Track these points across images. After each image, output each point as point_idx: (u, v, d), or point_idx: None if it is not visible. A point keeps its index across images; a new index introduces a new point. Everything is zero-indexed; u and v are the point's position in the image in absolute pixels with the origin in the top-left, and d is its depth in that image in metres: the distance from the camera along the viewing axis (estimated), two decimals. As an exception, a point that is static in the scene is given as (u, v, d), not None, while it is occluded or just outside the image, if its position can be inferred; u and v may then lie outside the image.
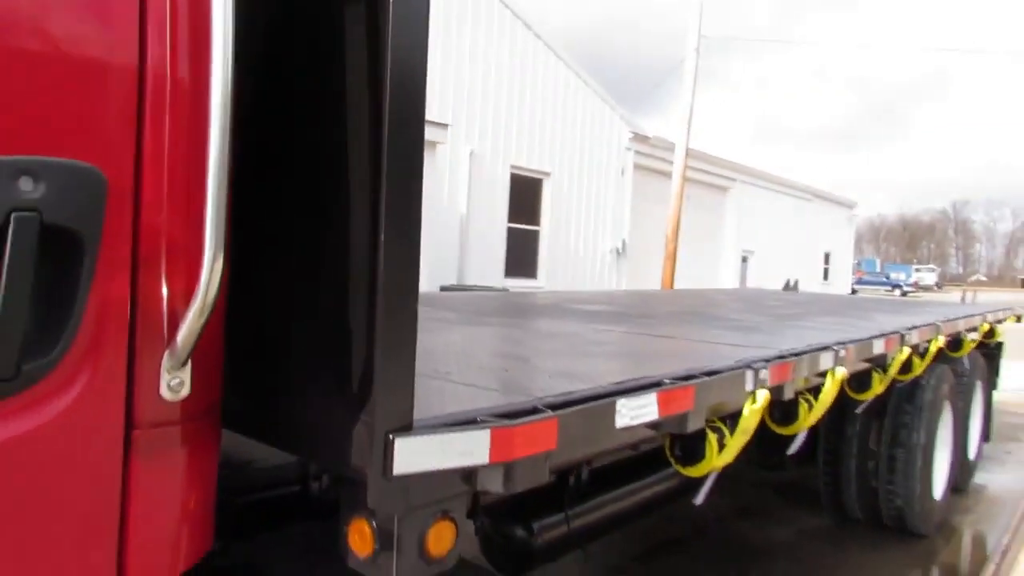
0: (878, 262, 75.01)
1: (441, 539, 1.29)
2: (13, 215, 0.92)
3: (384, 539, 1.24)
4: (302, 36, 1.30)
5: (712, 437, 2.06)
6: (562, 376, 1.87)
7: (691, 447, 2.13)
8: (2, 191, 0.92)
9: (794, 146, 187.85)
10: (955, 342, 4.86)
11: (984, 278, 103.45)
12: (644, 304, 5.42)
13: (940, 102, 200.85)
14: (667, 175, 16.42)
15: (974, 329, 5.10)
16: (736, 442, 2.08)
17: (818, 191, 30.08)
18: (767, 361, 2.23)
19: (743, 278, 24.10)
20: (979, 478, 5.95)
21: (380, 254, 1.11)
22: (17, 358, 0.95)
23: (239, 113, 1.10)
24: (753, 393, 2.08)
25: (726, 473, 2.84)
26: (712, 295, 7.44)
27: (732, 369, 2.07)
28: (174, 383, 1.11)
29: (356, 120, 1.17)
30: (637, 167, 18.14)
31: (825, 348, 2.68)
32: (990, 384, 6.34)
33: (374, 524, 1.25)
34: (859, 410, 4.05)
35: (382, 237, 1.11)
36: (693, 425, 1.84)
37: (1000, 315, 6.04)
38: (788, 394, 2.36)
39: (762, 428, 3.38)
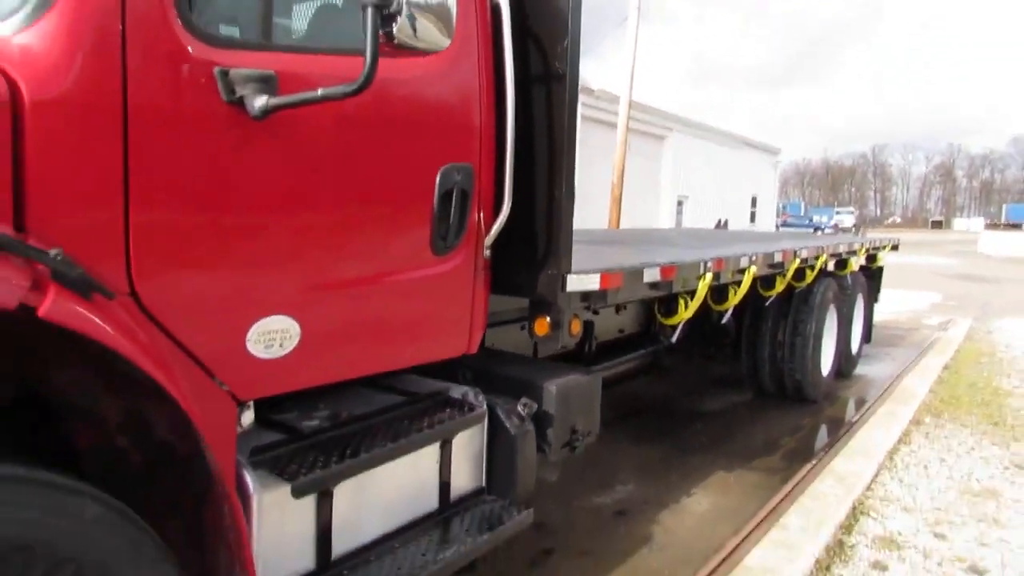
0: (803, 205, 78.90)
1: (575, 326, 2.82)
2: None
3: (554, 325, 2.76)
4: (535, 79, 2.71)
5: (682, 300, 3.64)
6: (617, 260, 3.42)
7: (670, 306, 3.72)
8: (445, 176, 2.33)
9: (726, 88, 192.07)
10: (841, 262, 6.61)
11: (899, 220, 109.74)
12: (620, 237, 6.98)
13: (864, 47, 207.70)
14: (611, 125, 17.93)
15: (854, 253, 6.84)
16: (694, 303, 3.68)
17: (747, 139, 32.17)
18: (710, 260, 3.82)
19: (679, 220, 26.07)
20: (861, 369, 7.82)
21: (561, 184, 2.59)
22: (442, 243, 2.37)
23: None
24: (703, 275, 3.66)
25: (675, 368, 4.49)
26: (663, 232, 9.10)
27: (693, 261, 3.65)
28: (487, 253, 2.58)
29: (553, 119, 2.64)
30: (583, 118, 19.57)
31: (744, 255, 4.29)
32: (871, 298, 8.17)
33: (548, 319, 2.76)
34: (768, 303, 5.71)
35: (562, 179, 2.60)
36: (676, 288, 3.42)
37: (878, 244, 7.87)
38: (723, 279, 3.96)
39: (704, 319, 5.06)
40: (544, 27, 2.59)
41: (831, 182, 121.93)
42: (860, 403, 6.58)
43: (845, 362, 7.23)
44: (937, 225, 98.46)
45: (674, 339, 4.39)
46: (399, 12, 1.64)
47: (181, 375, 1.63)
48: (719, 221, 20.02)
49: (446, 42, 1.87)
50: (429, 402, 2.61)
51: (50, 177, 1.46)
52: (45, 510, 1.35)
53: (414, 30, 1.69)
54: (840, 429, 5.70)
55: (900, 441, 5.36)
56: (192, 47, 1.66)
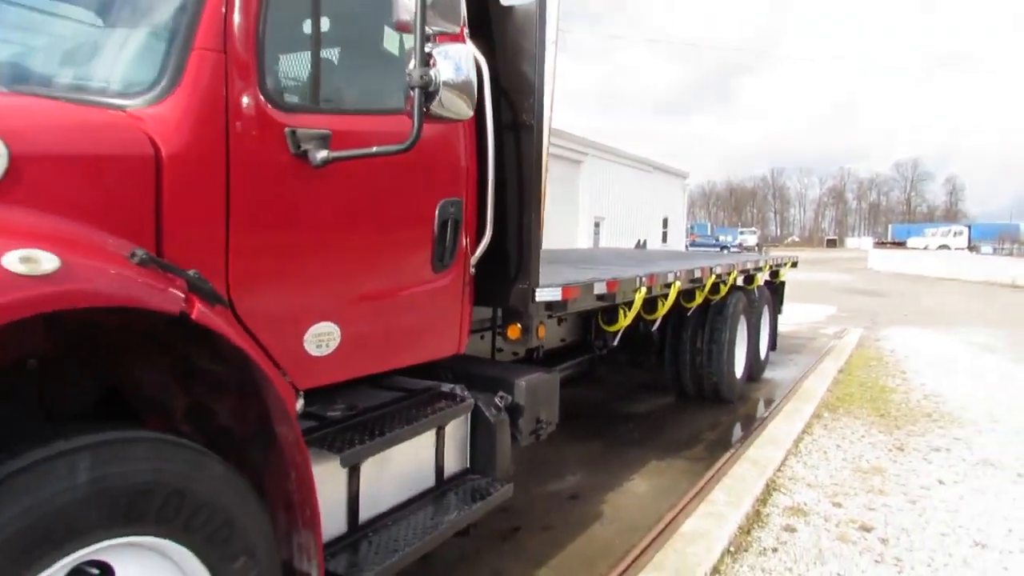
0: (709, 226, 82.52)
1: (541, 331, 3.39)
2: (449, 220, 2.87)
3: (524, 330, 3.31)
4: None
5: (621, 310, 4.27)
6: (564, 276, 4.01)
7: (610, 315, 4.34)
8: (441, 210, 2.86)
9: (634, 115, 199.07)
10: (748, 278, 7.46)
11: (798, 239, 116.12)
12: (555, 256, 7.60)
13: (761, 75, 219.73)
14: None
15: (760, 269, 7.72)
16: (632, 312, 4.32)
17: (657, 163, 33.79)
18: (644, 275, 4.47)
19: (596, 240, 27.17)
20: (769, 373, 8.71)
21: (531, 214, 3.16)
22: (439, 263, 2.91)
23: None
24: (639, 288, 4.31)
25: (606, 377, 5.13)
26: (591, 252, 9.82)
27: (631, 276, 4.30)
28: (472, 271, 3.10)
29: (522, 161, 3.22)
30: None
31: (670, 272, 4.98)
32: (775, 310, 9.11)
33: (520, 325, 3.31)
34: (689, 314, 6.45)
35: (532, 210, 3.17)
36: (618, 300, 4.05)
37: (780, 261, 8.82)
38: (655, 292, 4.63)
39: (632, 331, 5.71)
40: (514, 87, 3.17)
41: (735, 203, 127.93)
42: (769, 402, 7.40)
43: (755, 367, 8.07)
44: (832, 243, 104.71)
45: (615, 343, 5.02)
46: (437, 91, 2.17)
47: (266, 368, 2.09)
48: (638, 241, 21.26)
49: (470, 113, 2.41)
50: (425, 396, 3.10)
51: (178, 213, 1.92)
52: (190, 466, 1.80)
53: (443, 104, 2.23)
54: (753, 424, 6.47)
55: (804, 432, 6.15)
56: (270, 113, 2.15)
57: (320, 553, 2.19)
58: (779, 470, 5.15)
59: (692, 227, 61.85)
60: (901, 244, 65.24)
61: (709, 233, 71.23)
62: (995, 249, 52.70)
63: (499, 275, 3.26)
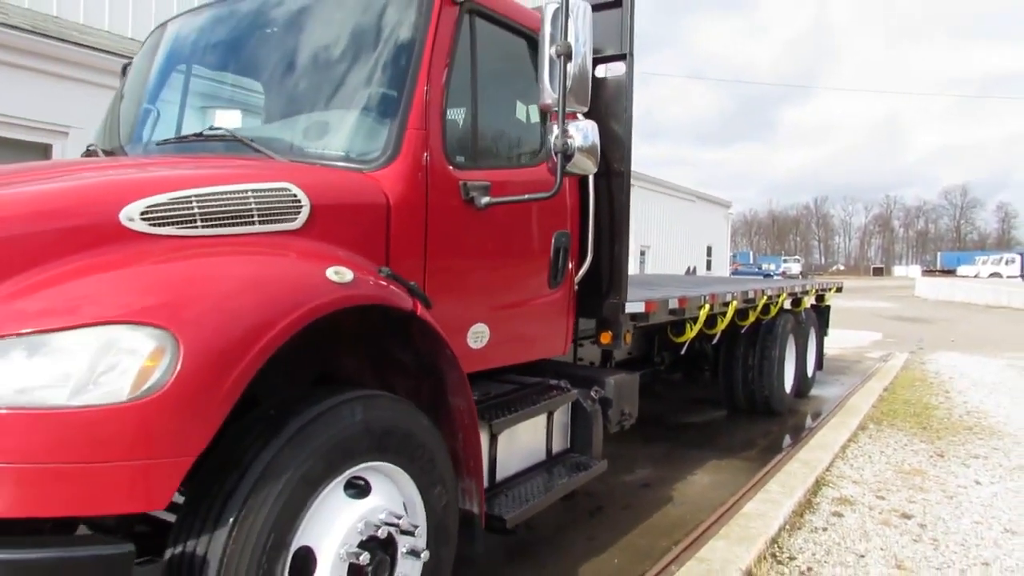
0: (751, 254, 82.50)
1: (627, 338, 4.16)
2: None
3: (615, 336, 4.07)
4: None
5: (688, 324, 5.02)
6: (642, 294, 4.79)
7: (678, 327, 5.09)
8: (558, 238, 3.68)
9: (675, 145, 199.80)
10: (795, 301, 8.11)
11: (843, 267, 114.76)
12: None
13: (804, 103, 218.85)
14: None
15: (806, 293, 8.37)
16: (697, 325, 5.06)
17: (700, 193, 34.40)
18: (706, 294, 5.22)
19: (641, 269, 27.83)
20: (816, 391, 9.28)
21: (621, 243, 3.97)
22: (554, 281, 3.71)
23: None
24: (703, 305, 5.06)
25: (663, 392, 5.84)
26: (650, 276, 10.58)
27: (697, 295, 5.05)
28: (575, 288, 3.89)
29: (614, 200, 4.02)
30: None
31: (728, 292, 5.71)
32: (821, 332, 9.70)
33: (611, 332, 4.08)
34: (743, 331, 7.14)
35: (622, 239, 3.97)
36: (687, 314, 4.80)
37: (826, 286, 9.45)
38: (715, 309, 5.37)
39: (690, 348, 6.43)
40: (608, 141, 3.98)
41: (777, 232, 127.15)
42: (816, 415, 7.99)
43: (803, 384, 8.68)
44: (878, 272, 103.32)
45: (682, 352, 5.76)
46: (573, 154, 2.97)
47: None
48: (689, 268, 22.08)
49: (595, 170, 3.21)
50: (538, 387, 3.88)
51: (399, 243, 2.76)
52: (411, 417, 2.60)
53: (576, 164, 3.04)
54: (802, 433, 7.08)
55: (850, 440, 6.75)
56: (449, 171, 2.99)
57: (482, 495, 2.97)
58: (827, 470, 5.77)
59: (735, 256, 62.02)
60: (951, 272, 64.35)
61: (752, 262, 71.22)
62: (1049, 277, 51.73)
63: (595, 292, 4.05)
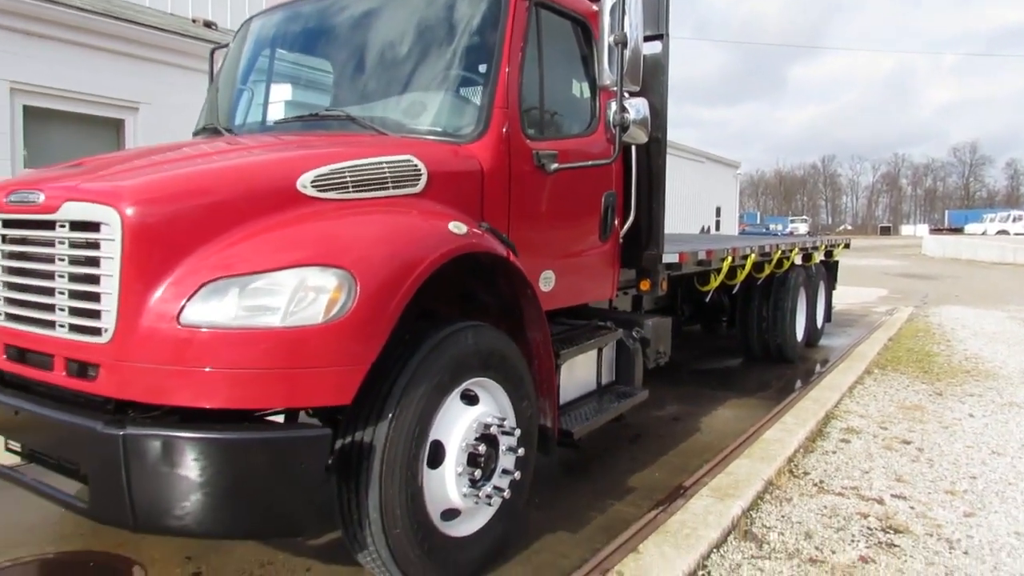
0: (759, 214, 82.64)
1: (664, 285, 4.79)
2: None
3: (653, 284, 4.69)
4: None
5: (712, 274, 5.64)
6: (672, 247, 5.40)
7: (704, 277, 5.72)
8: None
9: (682, 105, 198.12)
10: (806, 256, 8.70)
11: (850, 227, 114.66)
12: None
13: (810, 61, 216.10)
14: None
15: (816, 249, 8.95)
16: (721, 275, 5.68)
17: (709, 154, 34.66)
18: (728, 248, 5.83)
19: (652, 231, 28.30)
20: (825, 341, 9.91)
21: (659, 201, 4.57)
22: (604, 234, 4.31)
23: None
24: (726, 257, 5.68)
25: (680, 344, 6.47)
26: (671, 236, 11.17)
27: (720, 247, 5.66)
28: (620, 241, 4.50)
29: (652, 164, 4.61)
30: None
31: (747, 246, 6.31)
32: (830, 286, 10.29)
33: (650, 280, 4.70)
34: (758, 283, 7.75)
35: (659, 198, 4.57)
36: (713, 265, 5.42)
37: (835, 242, 10.02)
38: (736, 262, 5.99)
39: (711, 302, 7.05)
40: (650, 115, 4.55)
41: (784, 192, 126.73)
42: (825, 362, 8.64)
43: (813, 334, 9.31)
44: (886, 231, 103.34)
45: (707, 300, 6.40)
46: (628, 127, 3.55)
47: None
48: (703, 227, 22.74)
49: (646, 139, 3.79)
50: (589, 326, 4.50)
51: (490, 203, 3.36)
52: (505, 343, 3.21)
53: (631, 135, 3.63)
54: (813, 376, 7.73)
55: (856, 382, 7.40)
56: (525, 142, 3.59)
57: (555, 412, 3.61)
58: (836, 406, 6.42)
59: (742, 216, 62.28)
60: (958, 231, 64.51)
61: (759, 222, 71.42)
62: (1056, 234, 51.93)
63: (635, 244, 4.66)
